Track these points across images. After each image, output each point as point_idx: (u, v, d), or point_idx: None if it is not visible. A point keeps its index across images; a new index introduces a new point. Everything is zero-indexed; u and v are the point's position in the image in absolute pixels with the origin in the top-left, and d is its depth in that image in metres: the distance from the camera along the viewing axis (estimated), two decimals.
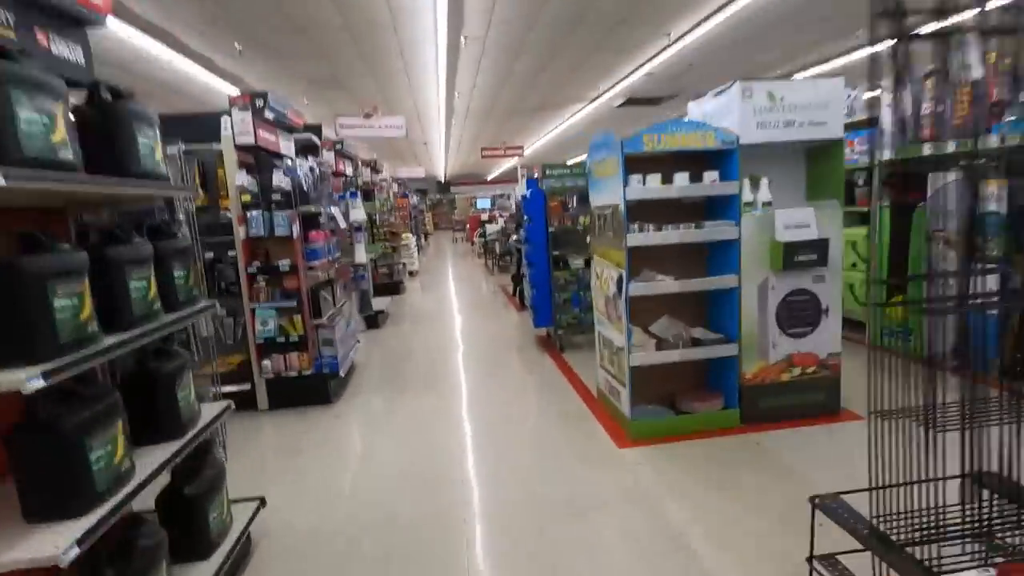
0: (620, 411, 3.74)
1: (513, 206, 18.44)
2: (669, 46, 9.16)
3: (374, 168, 9.73)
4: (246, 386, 4.45)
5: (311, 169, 4.62)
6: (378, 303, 7.85)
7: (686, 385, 3.92)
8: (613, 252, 3.63)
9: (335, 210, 5.19)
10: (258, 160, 4.34)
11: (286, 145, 4.85)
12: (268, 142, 4.43)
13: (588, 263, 5.68)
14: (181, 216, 2.47)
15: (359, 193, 6.97)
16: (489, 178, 33.78)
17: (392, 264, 9.92)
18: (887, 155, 4.97)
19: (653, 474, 3.15)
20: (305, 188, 4.43)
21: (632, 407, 3.57)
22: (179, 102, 10.15)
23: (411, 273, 12.46)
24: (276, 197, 4.21)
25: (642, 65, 10.75)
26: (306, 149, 5.81)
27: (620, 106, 14.29)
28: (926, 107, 4.63)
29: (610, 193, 3.60)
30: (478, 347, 6.30)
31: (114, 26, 6.57)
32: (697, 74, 11.86)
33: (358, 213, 6.84)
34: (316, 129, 7.51)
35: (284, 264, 4.31)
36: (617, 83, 11.97)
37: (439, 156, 23.05)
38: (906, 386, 1.75)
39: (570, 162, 23.10)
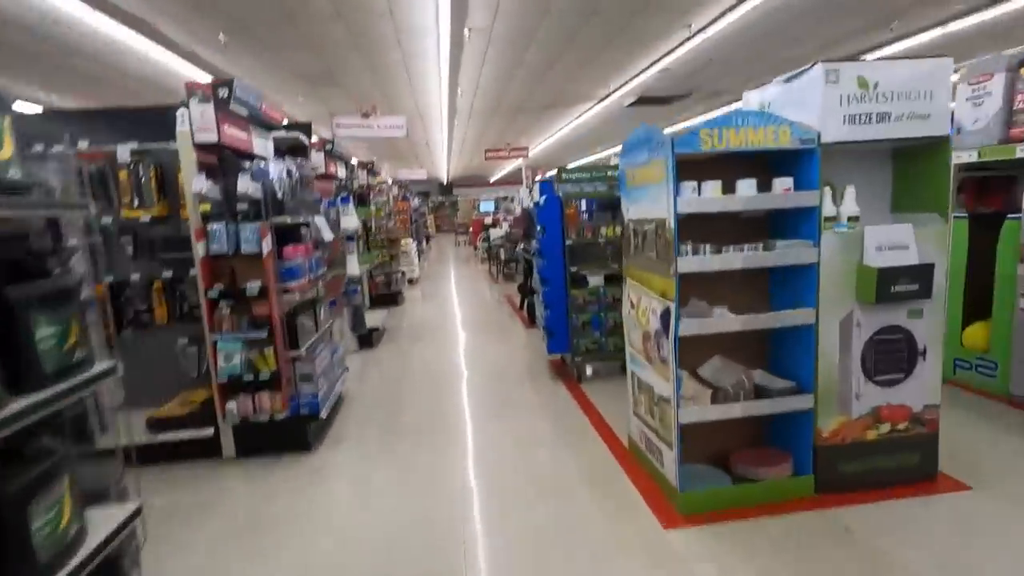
0: (663, 476, 2.98)
1: (517, 209, 17.68)
2: (690, 38, 8.40)
3: (371, 170, 8.98)
4: (209, 431, 3.70)
5: (288, 172, 3.87)
6: (373, 318, 7.09)
7: (741, 441, 3.16)
8: (656, 278, 2.87)
9: (319, 220, 4.43)
10: (223, 161, 3.59)
11: (262, 144, 4.10)
12: (236, 140, 3.68)
13: (609, 280, 4.92)
14: (74, 241, 1.74)
15: (352, 198, 6.22)
16: (492, 180, 33.09)
17: (390, 273, 9.17)
18: (966, 157, 4.13)
19: (718, 574, 2.38)
20: (280, 195, 3.67)
21: (681, 474, 2.81)
22: (160, 100, 9.44)
23: (411, 281, 11.72)
24: (242, 206, 3.46)
25: (659, 60, 10.00)
26: (294, 150, 5.08)
27: (631, 105, 13.54)
28: (1021, 100, 3.87)
29: (653, 204, 2.84)
30: (484, 374, 5.54)
31: (85, 15, 5.84)
32: (716, 70, 11.13)
33: (350, 220, 6.08)
34: (305, 127, 6.77)
35: (253, 287, 3.55)
36: (630, 80, 11.20)
37: (441, 157, 22.34)
38: None
39: (581, 162, 22.08)
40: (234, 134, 3.65)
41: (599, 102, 13.21)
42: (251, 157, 3.88)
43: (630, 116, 14.93)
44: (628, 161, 3.18)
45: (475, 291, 10.96)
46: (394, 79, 10.56)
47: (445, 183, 33.37)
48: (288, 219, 3.77)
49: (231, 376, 3.58)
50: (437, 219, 30.36)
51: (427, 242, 21.89)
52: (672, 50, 9.23)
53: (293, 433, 3.77)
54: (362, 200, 7.51)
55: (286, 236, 3.91)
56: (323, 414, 3.93)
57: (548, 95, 12.75)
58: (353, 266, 6.26)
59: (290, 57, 8.51)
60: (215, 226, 3.46)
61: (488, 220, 17.10)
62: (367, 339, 6.56)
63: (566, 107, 14.08)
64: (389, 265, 9.10)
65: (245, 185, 3.40)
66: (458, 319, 8.26)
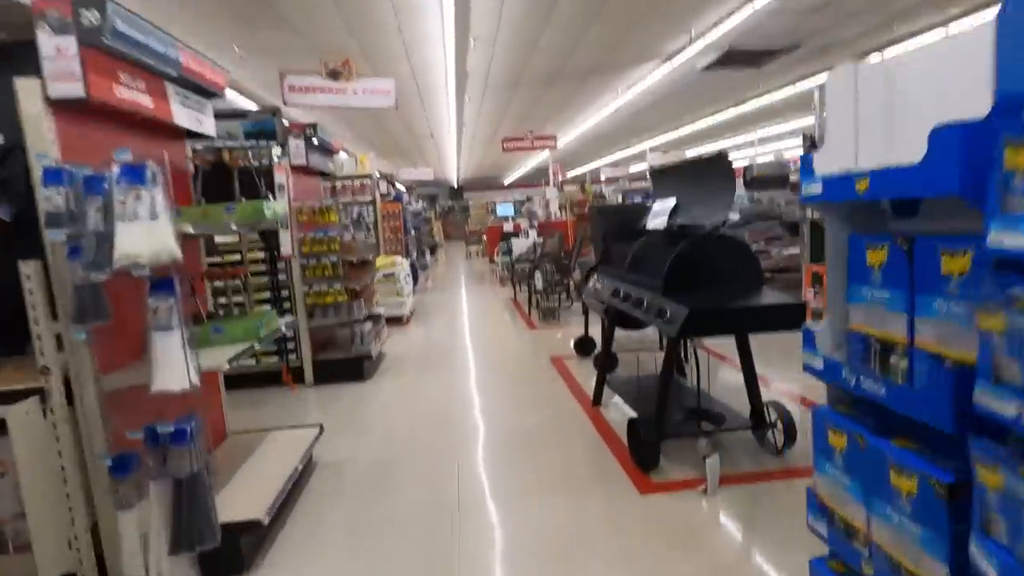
0: None
1: (540, 213, 13.30)
2: None
3: (310, 141, 4.74)
4: None
5: None
6: (282, 447, 2.89)
7: None
8: None
9: None
10: None
11: None
12: None
13: None
14: None
15: (151, 174, 1.98)
16: (507, 182, 28.91)
17: (351, 323, 4.94)
18: None
19: None
20: None
21: None
22: None
23: (396, 319, 7.44)
24: None
25: None
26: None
27: (708, 68, 9.25)
28: None
29: None
30: None
31: None
32: (845, 7, 6.94)
33: (133, 238, 1.88)
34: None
35: None
36: (728, 16, 6.93)
37: (450, 153, 18.17)
38: None
39: (618, 156, 16.33)
40: None
41: (667, 60, 8.92)
42: None
43: (702, 87, 10.61)
44: None
45: (501, 347, 6.43)
46: (373, 18, 6.38)
47: (455, 186, 29.24)
48: None
49: None
50: (446, 226, 26.14)
51: (432, 253, 17.74)
52: None
53: None
54: (269, 186, 3.29)
55: None
56: None
57: (595, 52, 8.50)
58: (170, 365, 2.03)
59: None
60: None
61: (509, 226, 12.85)
62: (230, 556, 2.33)
63: (616, 73, 9.80)
64: (348, 309, 4.86)
65: None
66: (477, 434, 3.94)
